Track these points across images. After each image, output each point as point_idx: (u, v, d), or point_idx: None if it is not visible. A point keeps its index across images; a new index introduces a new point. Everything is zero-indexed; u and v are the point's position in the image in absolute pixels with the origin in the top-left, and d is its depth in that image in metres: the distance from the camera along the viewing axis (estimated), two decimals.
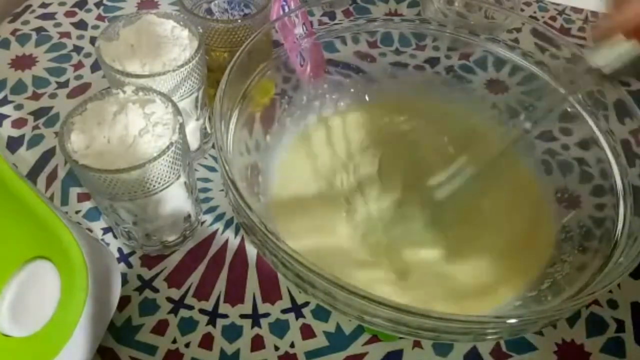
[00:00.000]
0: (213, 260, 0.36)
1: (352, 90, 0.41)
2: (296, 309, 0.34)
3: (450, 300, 0.31)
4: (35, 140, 0.42)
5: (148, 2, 0.54)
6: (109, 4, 0.53)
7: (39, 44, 0.49)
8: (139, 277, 0.35)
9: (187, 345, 0.32)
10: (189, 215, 0.34)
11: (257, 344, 0.32)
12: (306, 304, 0.34)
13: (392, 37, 0.40)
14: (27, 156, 0.41)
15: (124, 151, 0.28)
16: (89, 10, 0.52)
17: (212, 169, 0.41)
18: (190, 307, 0.33)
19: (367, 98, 0.41)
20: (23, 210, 0.24)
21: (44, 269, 0.24)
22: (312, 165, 0.37)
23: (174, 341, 0.32)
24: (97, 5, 0.53)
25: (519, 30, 0.37)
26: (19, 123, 0.43)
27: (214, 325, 0.33)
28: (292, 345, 0.32)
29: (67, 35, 0.50)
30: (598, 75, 0.29)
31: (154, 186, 0.29)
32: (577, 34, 0.54)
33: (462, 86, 0.41)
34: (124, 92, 0.30)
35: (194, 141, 0.39)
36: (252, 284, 0.35)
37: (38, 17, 0.51)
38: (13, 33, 0.49)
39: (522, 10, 0.55)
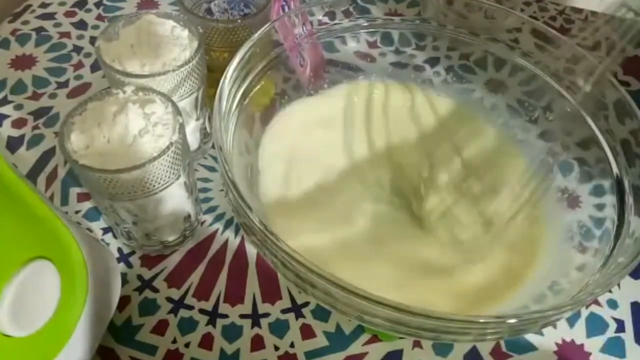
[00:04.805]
0: (213, 260, 0.36)
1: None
2: (296, 309, 0.34)
3: (449, 301, 0.31)
4: (35, 140, 0.42)
5: (148, 2, 0.54)
6: (109, 4, 0.53)
7: (39, 44, 0.49)
8: (139, 277, 0.35)
9: (187, 345, 0.32)
10: (189, 215, 0.34)
11: (257, 344, 0.32)
12: (306, 304, 0.34)
13: (392, 37, 0.40)
14: (27, 156, 0.41)
15: (124, 151, 0.28)
16: (89, 10, 0.52)
17: (212, 169, 0.41)
18: (190, 307, 0.33)
19: (367, 98, 0.41)
20: (23, 210, 0.24)
21: (44, 269, 0.24)
22: (313, 164, 0.37)
23: (174, 341, 0.32)
24: (97, 5, 0.53)
25: (519, 30, 0.37)
26: (19, 123, 0.43)
27: (214, 325, 0.33)
28: (292, 345, 0.32)
29: (67, 35, 0.50)
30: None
31: (154, 186, 0.29)
32: (577, 34, 0.54)
33: (462, 86, 0.41)
34: (124, 92, 0.30)
35: (194, 141, 0.39)
36: (252, 284, 0.35)
37: (38, 17, 0.51)
38: (13, 33, 0.49)
39: (522, 10, 0.56)
